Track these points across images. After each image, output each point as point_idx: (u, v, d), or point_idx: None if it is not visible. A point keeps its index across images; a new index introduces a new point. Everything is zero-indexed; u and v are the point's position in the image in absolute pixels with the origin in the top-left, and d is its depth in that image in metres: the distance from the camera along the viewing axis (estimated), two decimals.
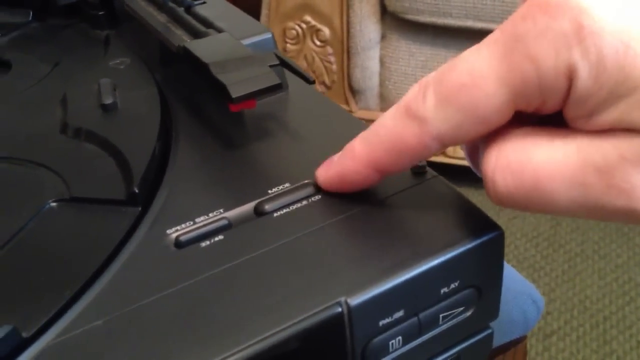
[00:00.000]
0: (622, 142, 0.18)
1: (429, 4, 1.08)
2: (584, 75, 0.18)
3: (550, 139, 0.19)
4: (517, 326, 0.34)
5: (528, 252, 1.14)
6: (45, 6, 0.40)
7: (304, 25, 1.21)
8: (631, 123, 0.18)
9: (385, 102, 1.21)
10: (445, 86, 0.20)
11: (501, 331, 0.34)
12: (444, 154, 1.17)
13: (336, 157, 0.24)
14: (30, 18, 0.39)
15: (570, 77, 0.18)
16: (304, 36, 1.22)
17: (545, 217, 1.21)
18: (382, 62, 1.19)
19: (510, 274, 0.35)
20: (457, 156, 1.15)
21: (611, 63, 0.17)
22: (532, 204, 0.19)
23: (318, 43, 1.21)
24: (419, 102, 0.21)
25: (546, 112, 0.19)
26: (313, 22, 1.20)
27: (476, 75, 0.19)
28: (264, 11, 1.24)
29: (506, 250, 1.15)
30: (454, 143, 0.21)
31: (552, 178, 0.19)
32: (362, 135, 0.23)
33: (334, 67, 1.22)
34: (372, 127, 0.23)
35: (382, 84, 1.21)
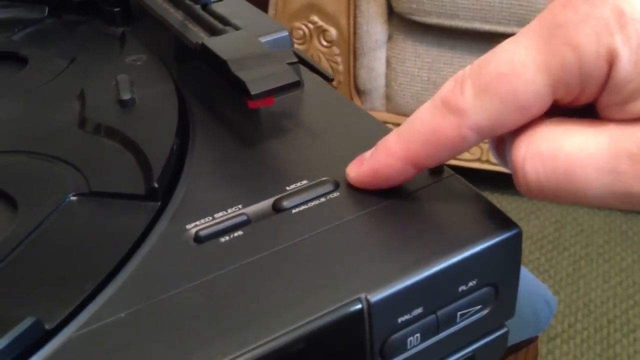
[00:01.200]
0: None
1: (435, 6, 1.08)
2: (624, 60, 0.18)
3: (582, 129, 0.19)
4: (530, 326, 0.34)
5: (532, 254, 1.14)
6: (61, 2, 0.40)
7: (310, 26, 1.21)
8: None
9: (390, 103, 1.21)
10: (484, 76, 0.20)
11: (513, 331, 0.34)
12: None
13: (368, 154, 0.24)
14: (45, 14, 0.40)
15: (611, 63, 0.18)
16: (311, 36, 1.22)
17: (550, 220, 1.21)
18: (388, 63, 1.19)
19: (523, 273, 0.35)
20: (467, 158, 1.16)
21: None
22: (563, 193, 0.20)
23: (325, 43, 1.21)
24: (457, 95, 0.21)
25: (582, 102, 0.20)
26: (320, 23, 1.20)
27: (516, 63, 0.19)
28: (270, 11, 1.24)
29: None
30: (492, 134, 0.21)
31: (584, 166, 0.19)
32: (397, 131, 0.23)
33: (341, 67, 1.22)
34: (408, 122, 0.23)
35: (388, 84, 1.21)
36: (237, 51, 0.28)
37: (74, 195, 0.25)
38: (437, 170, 0.26)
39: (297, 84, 0.27)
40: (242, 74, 0.26)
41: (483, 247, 0.23)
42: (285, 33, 0.31)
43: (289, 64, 0.27)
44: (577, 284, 1.08)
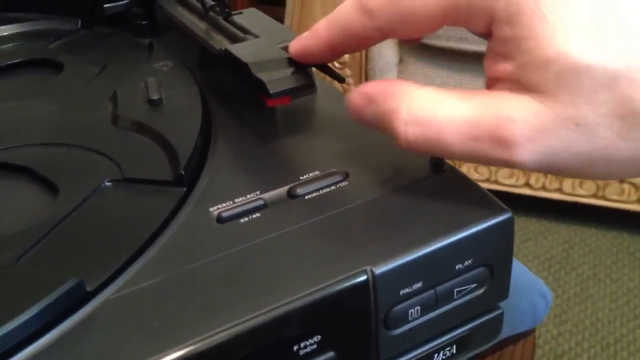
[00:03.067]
0: (510, 104, 0.21)
1: (445, 29, 1.12)
2: (500, 19, 0.21)
3: (453, 99, 0.23)
4: (527, 318, 0.36)
5: (540, 274, 1.16)
6: (93, 15, 0.43)
7: None
8: (521, 78, 0.21)
9: None
10: None
11: (511, 322, 0.36)
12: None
13: (305, 34, 0.28)
14: (78, 26, 0.43)
15: (491, 17, 0.21)
16: None
17: (558, 241, 1.22)
18: None
19: (520, 269, 0.38)
20: (475, 179, 1.18)
21: (523, 19, 0.21)
22: (435, 151, 0.24)
23: (337, 65, 1.24)
24: None
25: (478, 33, 0.23)
26: None
27: None
28: None
29: None
30: (392, 37, 0.26)
31: (451, 133, 0.22)
32: (326, 18, 0.27)
33: (352, 89, 1.25)
34: (334, 12, 0.27)
35: None
36: (256, 56, 0.30)
37: (108, 181, 0.28)
38: (438, 164, 0.28)
39: (312, 85, 0.30)
40: (262, 76, 0.29)
41: (477, 229, 0.25)
42: None
43: (305, 66, 0.30)
44: (585, 303, 1.09)
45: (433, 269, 0.25)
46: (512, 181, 1.21)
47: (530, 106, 0.21)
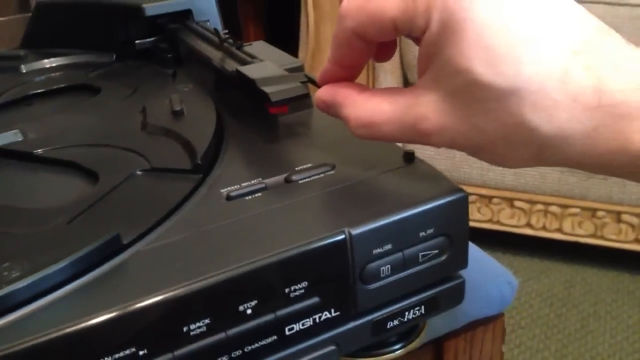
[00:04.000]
0: (426, 104, 0.28)
1: None
2: (432, 27, 0.26)
3: (384, 103, 0.29)
4: (495, 302, 0.41)
5: (542, 311, 1.19)
6: (125, 50, 0.50)
7: None
8: (436, 78, 0.27)
9: None
10: None
11: (481, 305, 0.41)
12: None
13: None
14: (113, 59, 0.50)
15: (428, 23, 0.27)
16: None
17: (559, 280, 1.26)
18: None
19: (489, 260, 0.43)
20: (478, 219, 1.23)
21: (448, 31, 0.26)
22: (381, 140, 0.30)
23: None
24: (344, 3, 0.29)
25: (415, 36, 0.28)
26: None
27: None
28: None
29: (521, 308, 1.21)
30: (365, 38, 0.29)
31: (387, 130, 0.29)
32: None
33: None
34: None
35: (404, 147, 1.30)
36: (261, 73, 0.37)
37: (139, 171, 0.34)
38: (409, 157, 0.34)
39: (307, 96, 0.36)
40: (265, 88, 0.36)
41: (437, 203, 0.31)
42: (300, 63, 0.41)
43: (302, 82, 0.37)
44: (585, 339, 1.13)
45: (400, 234, 0.30)
46: (513, 221, 1.26)
47: (439, 106, 0.27)
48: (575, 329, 1.15)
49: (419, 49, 0.28)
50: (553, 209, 1.22)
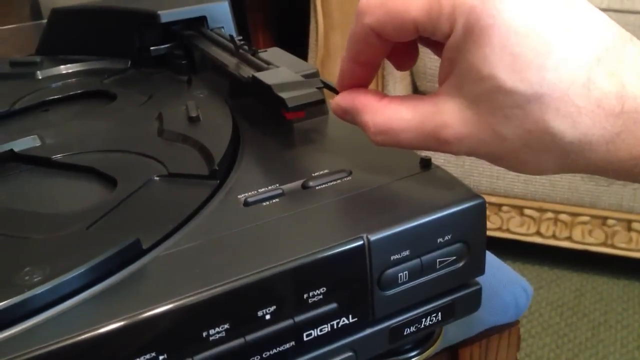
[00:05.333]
0: (447, 112, 0.28)
1: None
2: (457, 33, 0.26)
3: (404, 110, 0.29)
4: (510, 309, 0.41)
5: (553, 319, 1.19)
6: (140, 57, 0.51)
7: None
8: (459, 85, 0.27)
9: None
10: None
11: (497, 312, 0.41)
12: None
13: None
14: (128, 65, 0.50)
15: (452, 27, 0.26)
16: None
17: (570, 289, 1.26)
18: None
19: (504, 267, 0.43)
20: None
21: (473, 37, 0.26)
22: (398, 147, 0.30)
23: None
24: (364, 1, 0.29)
25: (437, 39, 0.28)
26: None
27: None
28: None
29: (531, 317, 1.20)
30: (384, 36, 0.29)
31: (406, 137, 0.29)
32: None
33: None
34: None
35: None
36: (278, 79, 0.37)
37: (157, 176, 0.34)
38: (425, 163, 0.34)
39: (322, 101, 0.36)
40: (282, 94, 0.36)
41: (455, 210, 0.31)
42: (315, 70, 0.41)
43: (318, 88, 0.37)
44: (596, 348, 1.12)
45: (418, 240, 0.30)
46: (523, 230, 1.25)
47: (461, 114, 0.27)
48: (586, 337, 1.14)
49: (442, 54, 0.28)
50: (563, 217, 1.22)
